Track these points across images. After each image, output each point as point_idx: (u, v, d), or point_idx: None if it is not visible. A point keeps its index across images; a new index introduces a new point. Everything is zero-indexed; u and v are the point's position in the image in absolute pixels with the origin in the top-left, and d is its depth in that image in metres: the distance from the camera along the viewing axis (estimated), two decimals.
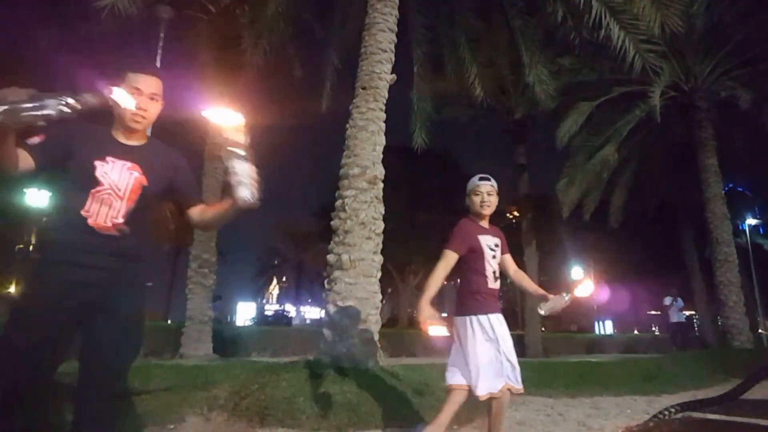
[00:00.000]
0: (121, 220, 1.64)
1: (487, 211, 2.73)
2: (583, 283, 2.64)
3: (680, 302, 13.09)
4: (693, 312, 18.44)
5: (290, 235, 39.00)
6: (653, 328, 36.66)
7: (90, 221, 1.60)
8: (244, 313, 43.45)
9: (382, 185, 5.34)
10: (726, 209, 11.29)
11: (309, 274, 40.44)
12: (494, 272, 2.71)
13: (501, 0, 8.64)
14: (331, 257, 5.08)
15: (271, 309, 51.45)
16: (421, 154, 11.74)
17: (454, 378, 2.64)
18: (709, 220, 11.22)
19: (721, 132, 12.41)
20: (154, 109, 1.76)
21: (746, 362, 7.93)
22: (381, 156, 5.42)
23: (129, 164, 1.70)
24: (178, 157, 1.92)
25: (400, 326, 23.26)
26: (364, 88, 5.51)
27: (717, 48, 11.49)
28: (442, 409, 2.63)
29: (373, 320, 4.83)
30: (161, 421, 3.26)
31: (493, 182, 2.77)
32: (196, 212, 1.88)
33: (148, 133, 1.91)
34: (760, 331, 20.80)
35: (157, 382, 3.76)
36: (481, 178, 2.77)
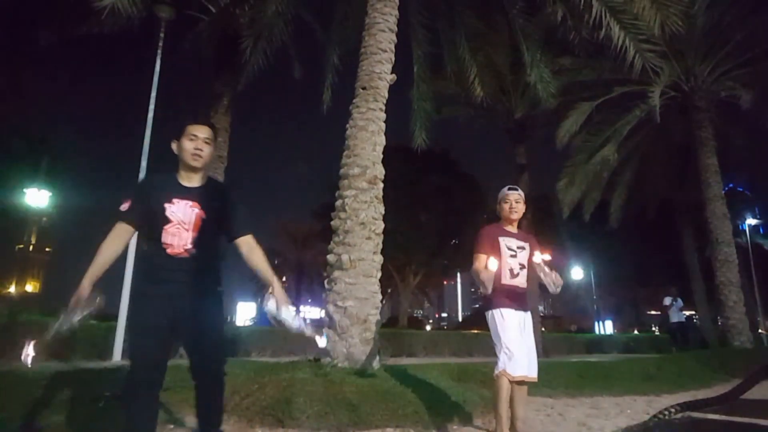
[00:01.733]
0: (190, 246, 2.13)
1: (515, 216, 3.10)
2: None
3: (680, 302, 13.04)
4: (693, 312, 18.41)
5: (290, 235, 38.97)
6: (653, 328, 36.65)
7: (168, 250, 2.11)
8: (244, 313, 43.36)
9: (382, 185, 5.33)
10: (726, 209, 11.29)
11: (309, 274, 40.37)
12: (511, 269, 3.02)
13: (501, 0, 8.64)
14: (331, 257, 5.07)
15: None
16: (421, 154, 11.73)
17: (497, 366, 2.94)
18: (709, 220, 11.22)
19: (721, 132, 12.42)
20: (208, 150, 2.22)
21: (746, 362, 7.94)
22: (381, 156, 5.41)
23: (191, 203, 2.17)
24: (230, 193, 2.38)
25: (400, 326, 23.24)
26: (364, 88, 5.50)
27: (717, 48, 11.49)
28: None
29: (373, 320, 4.82)
30: (161, 421, 3.24)
31: (520, 192, 3.15)
32: (243, 245, 2.25)
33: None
34: (760, 331, 20.79)
35: None
36: (509, 188, 3.14)
